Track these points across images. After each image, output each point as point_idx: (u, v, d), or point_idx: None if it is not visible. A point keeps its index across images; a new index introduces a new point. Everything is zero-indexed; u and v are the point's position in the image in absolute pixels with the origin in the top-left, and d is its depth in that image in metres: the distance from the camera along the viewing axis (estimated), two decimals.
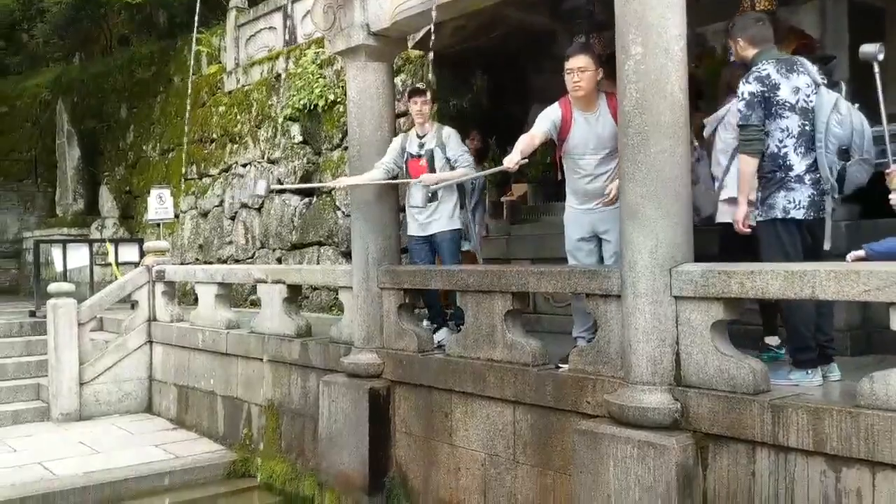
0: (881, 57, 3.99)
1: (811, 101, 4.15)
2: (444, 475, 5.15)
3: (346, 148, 8.89)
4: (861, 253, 3.65)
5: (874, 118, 4.02)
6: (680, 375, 3.81)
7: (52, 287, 8.46)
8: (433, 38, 5.58)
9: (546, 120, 4.82)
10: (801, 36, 6.58)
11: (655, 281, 3.79)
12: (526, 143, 4.78)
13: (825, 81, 4.24)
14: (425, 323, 6.15)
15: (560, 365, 4.57)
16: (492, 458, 4.81)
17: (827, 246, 4.13)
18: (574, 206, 4.91)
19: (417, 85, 5.78)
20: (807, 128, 4.12)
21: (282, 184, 10.48)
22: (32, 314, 10.19)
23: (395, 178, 5.82)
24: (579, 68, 4.65)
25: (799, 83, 4.15)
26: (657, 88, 3.80)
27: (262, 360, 6.90)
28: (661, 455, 3.63)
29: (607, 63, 4.62)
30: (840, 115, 4.08)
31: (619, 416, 3.86)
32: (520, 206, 7.95)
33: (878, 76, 4.05)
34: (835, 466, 3.28)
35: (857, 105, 4.16)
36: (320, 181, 9.96)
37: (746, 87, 4.13)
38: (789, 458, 3.42)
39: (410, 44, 7.20)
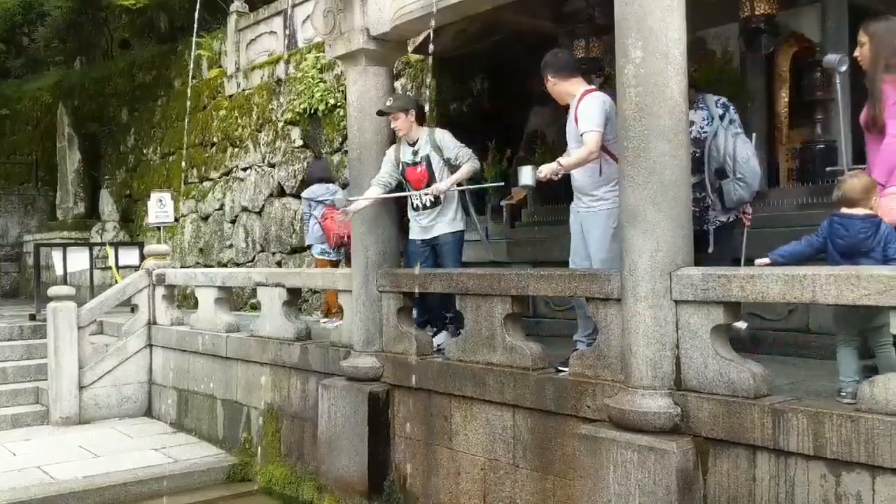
0: (843, 68, 4.43)
1: (705, 132, 4.87)
2: (443, 479, 5.14)
3: (346, 151, 8.90)
4: (767, 260, 3.89)
5: None
6: (680, 379, 3.81)
7: (52, 290, 8.46)
8: (433, 42, 5.59)
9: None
10: (801, 40, 6.59)
11: (656, 285, 3.78)
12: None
13: (721, 114, 4.94)
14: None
15: (560, 368, 4.56)
16: (491, 463, 4.81)
17: (710, 250, 4.79)
18: (574, 204, 4.96)
19: (388, 102, 5.69)
20: (697, 154, 4.76)
21: (282, 187, 10.53)
22: (33, 317, 10.20)
23: (392, 190, 5.81)
24: (551, 86, 4.87)
25: (695, 118, 4.83)
26: (657, 92, 3.80)
27: (261, 363, 6.89)
28: (661, 459, 3.62)
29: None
30: (717, 143, 4.84)
31: (620, 420, 3.86)
32: (520, 210, 7.95)
33: (838, 85, 4.58)
34: (835, 470, 3.27)
35: (739, 134, 4.89)
36: None
37: None
38: (790, 462, 3.41)
39: (410, 48, 7.20)
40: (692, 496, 3.65)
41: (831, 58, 4.48)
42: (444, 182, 5.62)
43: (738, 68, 6.78)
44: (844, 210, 3.75)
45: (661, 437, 3.69)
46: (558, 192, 6.61)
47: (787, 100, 6.75)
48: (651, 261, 3.79)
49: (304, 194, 8.29)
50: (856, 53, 4.31)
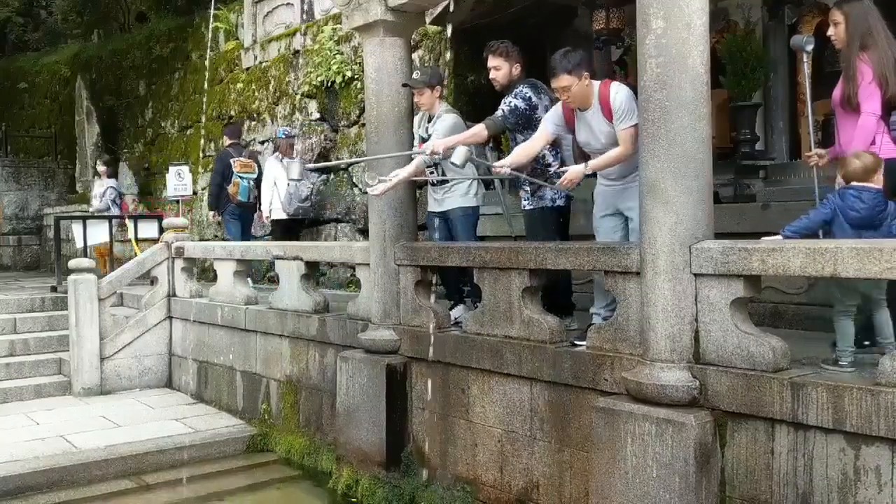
0: (809, 48, 4.56)
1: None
2: (461, 451, 5.17)
3: (363, 125, 8.87)
4: (778, 237, 3.86)
5: None
6: (699, 353, 3.80)
7: (73, 263, 8.52)
8: (451, 12, 5.54)
9: (548, 123, 4.92)
10: (824, 11, 6.48)
11: (675, 258, 3.76)
12: (520, 153, 4.92)
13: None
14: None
15: (576, 342, 4.56)
16: (508, 435, 4.83)
17: None
18: (600, 182, 4.85)
19: (415, 75, 5.65)
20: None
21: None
22: (54, 289, 10.30)
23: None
24: (563, 88, 4.58)
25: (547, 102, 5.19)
26: (678, 63, 3.75)
27: (280, 335, 6.94)
28: (679, 432, 3.62)
29: None
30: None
31: (638, 393, 3.86)
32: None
33: (805, 65, 4.70)
34: (854, 444, 3.26)
35: None
36: (337, 158, 9.96)
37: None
38: (808, 436, 3.41)
39: (428, 19, 7.14)
40: (710, 469, 3.66)
41: (798, 38, 4.64)
42: (402, 171, 5.42)
43: (761, 39, 6.68)
44: (856, 184, 3.82)
45: (679, 410, 3.69)
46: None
47: (809, 71, 6.64)
48: (671, 234, 3.77)
49: (111, 185, 12.27)
50: (829, 32, 4.38)
